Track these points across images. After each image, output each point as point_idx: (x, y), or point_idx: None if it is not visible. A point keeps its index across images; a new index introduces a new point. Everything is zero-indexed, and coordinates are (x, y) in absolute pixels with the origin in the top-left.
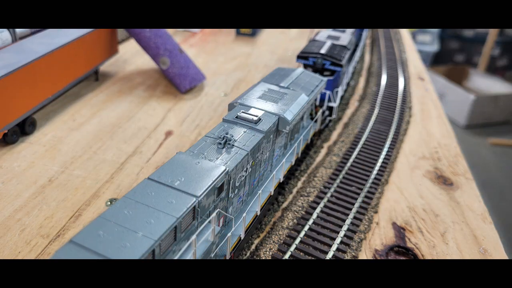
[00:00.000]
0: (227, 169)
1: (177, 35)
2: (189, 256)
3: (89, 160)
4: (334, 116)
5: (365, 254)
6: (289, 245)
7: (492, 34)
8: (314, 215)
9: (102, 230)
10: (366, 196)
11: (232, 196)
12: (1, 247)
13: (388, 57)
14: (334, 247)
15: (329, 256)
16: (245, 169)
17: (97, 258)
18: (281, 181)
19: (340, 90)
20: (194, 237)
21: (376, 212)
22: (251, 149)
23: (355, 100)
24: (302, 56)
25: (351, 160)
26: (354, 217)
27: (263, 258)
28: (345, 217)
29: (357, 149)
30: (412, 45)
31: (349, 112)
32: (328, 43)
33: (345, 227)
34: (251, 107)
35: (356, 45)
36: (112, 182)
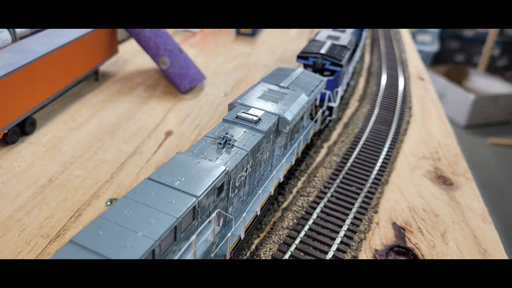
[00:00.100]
0: (227, 169)
1: (177, 35)
2: (189, 256)
3: (89, 160)
4: (334, 116)
5: (365, 254)
6: (289, 245)
7: (492, 34)
8: (314, 215)
9: (102, 230)
10: (366, 196)
11: (232, 196)
12: (1, 247)
13: (388, 57)
14: (334, 247)
15: (329, 256)
16: (245, 169)
17: (97, 258)
18: (281, 181)
19: (340, 90)
20: (194, 237)
21: (376, 212)
22: (251, 149)
23: (355, 100)
24: (302, 56)
25: (351, 160)
26: (354, 217)
27: (263, 258)
28: (345, 217)
29: (357, 149)
30: (412, 45)
31: (349, 112)
32: (328, 43)
33: (345, 227)
34: (251, 107)
35: (356, 45)
36: (112, 182)
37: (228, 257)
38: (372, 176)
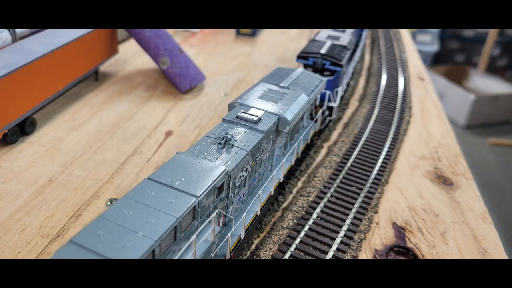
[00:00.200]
0: (227, 169)
1: (177, 35)
2: (189, 256)
3: (89, 160)
4: (334, 116)
5: (365, 254)
6: (289, 245)
7: (492, 34)
8: (314, 215)
9: (102, 230)
10: (366, 196)
11: (232, 196)
12: (1, 247)
13: (388, 57)
14: (334, 247)
15: (329, 256)
16: (245, 169)
17: (97, 258)
18: (281, 181)
19: (340, 90)
20: (194, 237)
21: (376, 212)
22: (251, 149)
23: (355, 100)
24: (302, 56)
25: (351, 160)
26: (354, 217)
27: (263, 258)
28: (345, 217)
29: (357, 149)
30: (412, 45)
31: (349, 112)
32: (328, 43)
33: (345, 227)
34: (251, 107)
35: (356, 45)
36: (112, 182)
37: (228, 257)
38: (372, 176)
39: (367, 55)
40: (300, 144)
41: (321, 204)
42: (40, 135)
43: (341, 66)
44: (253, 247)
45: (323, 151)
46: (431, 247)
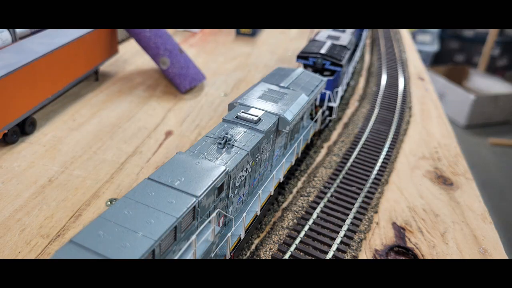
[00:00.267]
0: (227, 169)
1: (177, 35)
2: (189, 256)
3: (89, 160)
4: (334, 116)
5: (365, 254)
6: (289, 245)
7: (492, 34)
8: (314, 215)
9: (102, 230)
10: (366, 196)
11: (232, 196)
12: (1, 247)
13: (388, 57)
14: (334, 247)
15: (329, 256)
16: (245, 169)
17: (97, 258)
18: (281, 181)
19: (340, 90)
20: (194, 237)
21: (376, 212)
22: (251, 149)
23: (355, 100)
24: (302, 56)
25: (351, 160)
26: (354, 217)
27: (263, 258)
28: (345, 217)
29: (357, 149)
30: (412, 45)
31: (349, 112)
32: (328, 43)
33: (345, 227)
34: (251, 107)
35: (356, 45)
36: (112, 182)
37: (228, 257)
38: (372, 176)
39: (367, 55)
40: (300, 144)
41: (321, 204)
42: (40, 135)
43: (341, 66)
44: (253, 247)
45: (323, 151)
46: (431, 247)
